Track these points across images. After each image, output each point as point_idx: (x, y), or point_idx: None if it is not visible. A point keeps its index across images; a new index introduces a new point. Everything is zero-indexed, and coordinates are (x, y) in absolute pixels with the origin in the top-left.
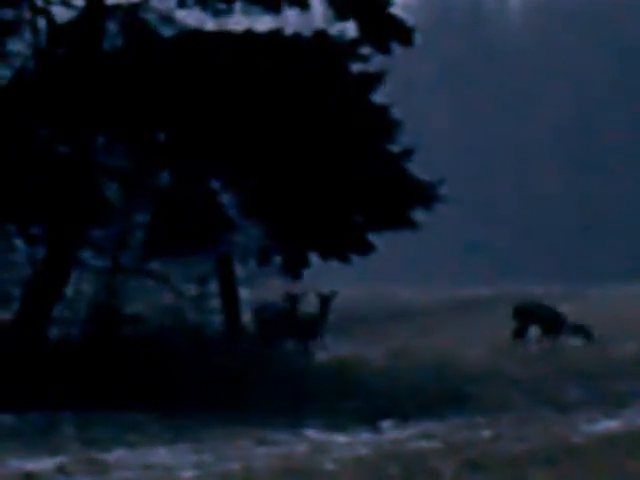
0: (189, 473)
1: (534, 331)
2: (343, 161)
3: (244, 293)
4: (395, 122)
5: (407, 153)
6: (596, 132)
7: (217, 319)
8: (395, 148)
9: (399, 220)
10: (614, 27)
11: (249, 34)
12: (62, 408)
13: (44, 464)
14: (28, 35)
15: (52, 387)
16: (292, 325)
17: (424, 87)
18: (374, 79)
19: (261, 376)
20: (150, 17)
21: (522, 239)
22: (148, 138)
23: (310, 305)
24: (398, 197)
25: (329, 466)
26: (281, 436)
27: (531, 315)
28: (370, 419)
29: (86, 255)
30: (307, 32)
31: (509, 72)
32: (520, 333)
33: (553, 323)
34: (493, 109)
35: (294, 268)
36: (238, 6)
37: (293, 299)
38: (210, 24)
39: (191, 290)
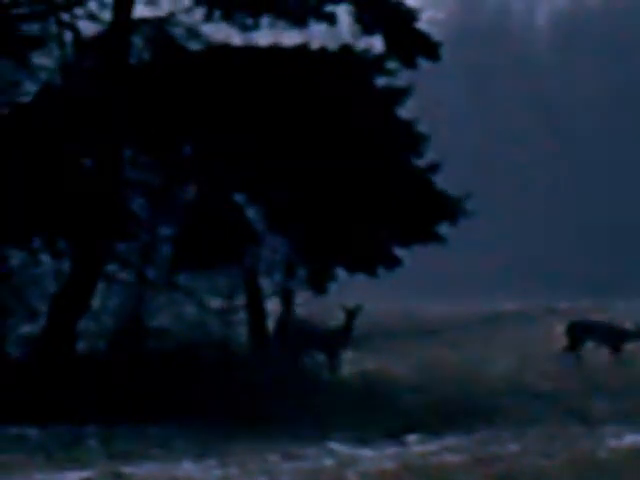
0: None
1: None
2: (369, 175)
3: (270, 307)
4: (421, 136)
5: (433, 167)
6: (626, 146)
7: (243, 332)
8: (421, 162)
9: (425, 234)
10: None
11: (275, 48)
12: (88, 422)
13: (70, 478)
14: (55, 49)
15: (78, 400)
16: (318, 339)
17: (450, 101)
18: (400, 93)
19: (287, 390)
20: (177, 31)
21: (547, 254)
22: (174, 152)
23: (336, 319)
24: (424, 211)
25: None
26: (307, 450)
27: (588, 331)
28: (396, 433)
29: (112, 268)
30: (333, 47)
31: (536, 85)
32: (573, 349)
33: (614, 336)
34: (520, 123)
35: (320, 282)
36: (265, 21)
37: (287, 297)
38: (237, 38)
39: (217, 303)
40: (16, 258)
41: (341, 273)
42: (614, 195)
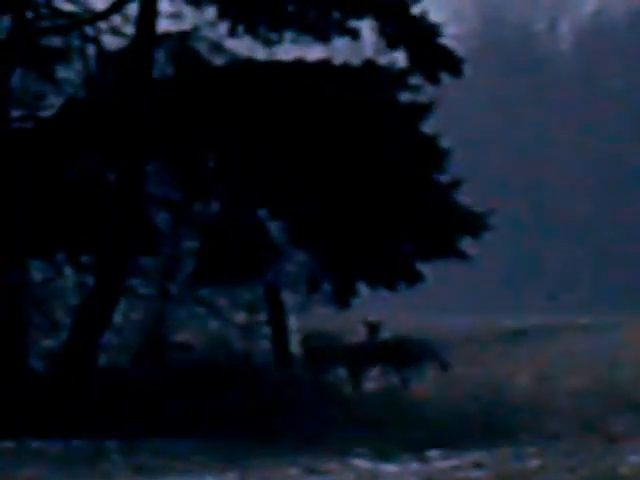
0: None
1: None
2: (392, 190)
3: (293, 321)
4: (444, 152)
5: (456, 183)
6: None
7: (265, 347)
8: (444, 178)
9: (447, 250)
10: None
11: (299, 63)
12: (110, 436)
13: None
14: (78, 63)
15: (100, 414)
16: (340, 353)
17: (473, 116)
18: (423, 109)
19: (309, 404)
20: (200, 46)
21: (570, 269)
22: (197, 166)
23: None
24: (447, 227)
25: None
26: (329, 465)
27: None
28: (418, 448)
29: (135, 283)
30: (357, 62)
31: (558, 100)
32: None
33: None
34: (543, 138)
35: (343, 297)
36: (288, 35)
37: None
38: (260, 53)
39: (239, 318)
40: (39, 271)
41: (362, 287)
42: (637, 210)
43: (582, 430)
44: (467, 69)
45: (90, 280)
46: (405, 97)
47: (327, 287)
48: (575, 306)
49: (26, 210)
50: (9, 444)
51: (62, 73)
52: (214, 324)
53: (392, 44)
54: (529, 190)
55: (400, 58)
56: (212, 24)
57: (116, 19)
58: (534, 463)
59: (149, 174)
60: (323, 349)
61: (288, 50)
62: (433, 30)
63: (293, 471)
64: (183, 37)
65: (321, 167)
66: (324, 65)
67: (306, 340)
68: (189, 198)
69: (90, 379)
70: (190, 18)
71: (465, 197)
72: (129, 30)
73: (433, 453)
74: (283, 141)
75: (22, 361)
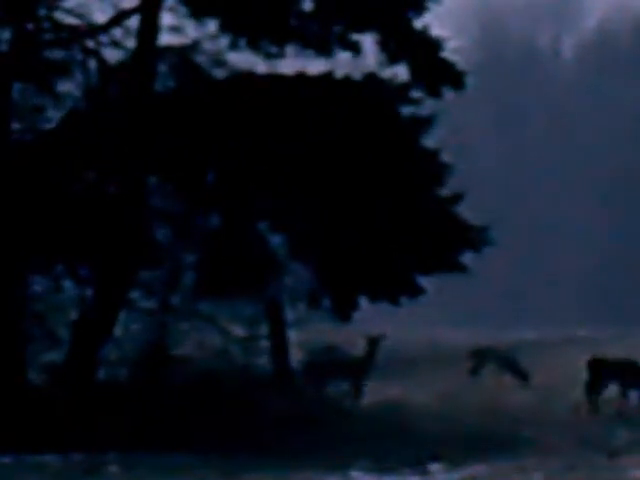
0: None
1: None
2: (393, 204)
3: (293, 335)
4: (445, 166)
5: (456, 197)
6: None
7: (266, 361)
8: (444, 192)
9: (448, 263)
10: None
11: (300, 77)
12: (109, 449)
13: None
14: (79, 76)
15: (99, 428)
16: (341, 367)
17: (475, 130)
18: (425, 123)
19: (309, 418)
20: (201, 59)
21: (567, 282)
22: (198, 180)
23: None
24: (447, 241)
25: None
26: (330, 479)
27: None
28: (418, 462)
29: (135, 296)
30: (358, 75)
31: (561, 115)
32: None
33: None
34: (544, 153)
35: (343, 311)
36: (290, 49)
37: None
38: (261, 67)
39: (240, 331)
40: (39, 284)
41: (364, 301)
42: (636, 224)
43: (582, 444)
44: (469, 83)
45: (90, 293)
46: (406, 111)
47: (328, 301)
48: (576, 318)
49: (25, 223)
50: (7, 458)
51: (63, 86)
52: (214, 338)
53: (394, 58)
54: (531, 201)
55: (402, 72)
56: (213, 37)
57: (117, 32)
58: (535, 477)
59: (150, 187)
60: (323, 363)
61: (289, 64)
62: (435, 44)
63: None
64: (184, 50)
65: (321, 181)
66: (325, 79)
67: (306, 354)
68: (190, 211)
69: (89, 392)
70: (191, 31)
71: (466, 210)
72: (130, 43)
73: (434, 466)
74: (283, 154)
75: (21, 374)
